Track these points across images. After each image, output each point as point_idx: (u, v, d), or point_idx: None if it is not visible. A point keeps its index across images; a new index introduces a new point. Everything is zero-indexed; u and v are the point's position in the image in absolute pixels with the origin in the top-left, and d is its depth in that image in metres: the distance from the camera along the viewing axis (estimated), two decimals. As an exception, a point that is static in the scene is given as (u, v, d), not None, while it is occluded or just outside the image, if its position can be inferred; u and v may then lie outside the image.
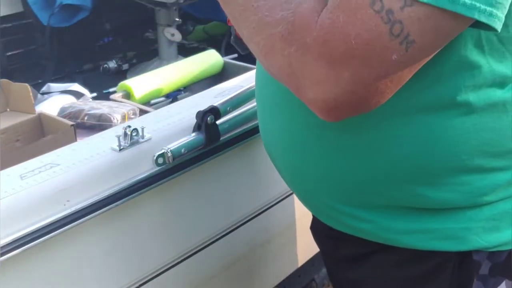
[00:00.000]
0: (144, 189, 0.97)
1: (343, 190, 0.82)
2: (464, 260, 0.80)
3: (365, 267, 0.88)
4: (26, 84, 1.48)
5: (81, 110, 1.44)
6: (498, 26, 0.59)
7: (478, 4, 0.57)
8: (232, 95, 1.12)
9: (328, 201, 0.84)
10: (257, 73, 0.94)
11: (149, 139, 1.00)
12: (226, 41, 2.14)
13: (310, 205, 0.91)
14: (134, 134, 0.98)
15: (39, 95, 1.67)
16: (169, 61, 2.00)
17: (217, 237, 1.16)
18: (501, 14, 0.59)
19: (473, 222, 0.78)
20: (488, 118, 0.72)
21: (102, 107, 1.44)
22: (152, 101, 1.66)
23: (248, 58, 0.89)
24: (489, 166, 0.75)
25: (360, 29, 0.59)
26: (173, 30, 2.00)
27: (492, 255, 0.80)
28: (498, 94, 0.72)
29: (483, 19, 0.58)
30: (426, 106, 0.71)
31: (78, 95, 1.67)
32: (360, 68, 0.60)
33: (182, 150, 1.00)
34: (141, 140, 0.99)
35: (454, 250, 0.79)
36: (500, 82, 0.71)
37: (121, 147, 0.96)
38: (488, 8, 0.57)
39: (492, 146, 0.74)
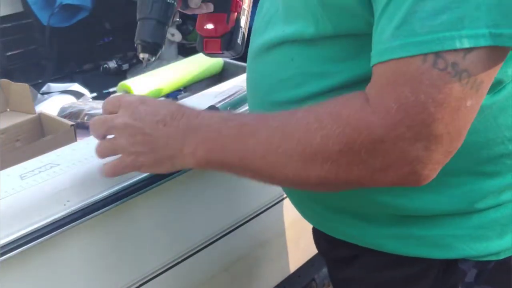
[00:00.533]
0: (144, 189, 0.97)
1: (330, 198, 0.82)
2: (450, 268, 0.79)
3: (355, 267, 0.88)
4: (26, 84, 1.48)
5: (81, 110, 1.44)
6: None
7: None
8: (232, 95, 1.12)
9: (317, 208, 0.85)
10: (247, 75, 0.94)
11: (149, 139, 1.00)
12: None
13: (302, 211, 0.92)
14: (134, 134, 0.98)
15: (39, 95, 1.66)
16: (169, 61, 1.99)
17: (217, 237, 1.16)
18: None
19: (460, 229, 0.76)
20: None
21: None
22: (152, 101, 1.65)
23: (248, 58, 0.91)
24: (478, 171, 0.75)
25: (432, 93, 0.58)
26: (173, 30, 1.99)
27: (479, 262, 0.79)
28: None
29: None
30: None
31: (78, 95, 1.67)
32: (444, 127, 0.60)
33: (182, 150, 1.00)
34: (141, 140, 0.99)
35: (439, 257, 0.78)
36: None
37: (121, 147, 0.96)
38: None
39: (478, 149, 0.73)
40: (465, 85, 0.59)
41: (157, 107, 0.78)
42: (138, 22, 0.89)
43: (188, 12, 0.94)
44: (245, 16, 1.07)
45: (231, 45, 1.04)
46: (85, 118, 1.42)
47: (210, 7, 0.99)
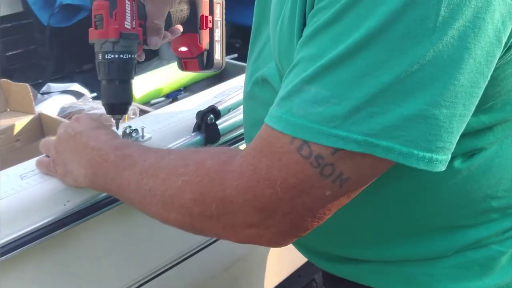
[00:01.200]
0: (144, 189, 0.97)
1: (312, 243, 0.84)
2: None
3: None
4: (26, 84, 1.48)
5: (81, 110, 1.43)
6: (440, 168, 0.57)
7: (416, 152, 0.55)
8: (232, 95, 1.12)
9: (299, 248, 0.89)
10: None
11: (149, 139, 1.00)
12: (226, 41, 2.14)
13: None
14: (134, 134, 0.98)
15: (39, 95, 1.66)
16: (169, 61, 1.99)
17: (217, 237, 1.16)
18: (444, 156, 0.56)
19: (436, 268, 0.75)
20: (448, 185, 0.70)
21: (102, 107, 1.44)
22: (152, 101, 1.66)
23: (248, 58, 0.90)
24: (457, 225, 0.73)
25: (286, 174, 0.57)
26: (173, 30, 2.00)
27: None
28: (457, 163, 0.69)
29: (421, 166, 0.55)
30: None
31: (78, 95, 1.67)
32: (292, 208, 0.59)
33: (182, 150, 1.00)
34: (141, 140, 0.99)
35: None
36: (467, 152, 0.69)
37: (121, 147, 0.96)
38: (428, 155, 0.55)
39: (457, 209, 0.72)
40: (327, 177, 0.57)
41: (81, 123, 0.84)
42: (101, 83, 0.88)
43: (153, 48, 0.93)
44: (219, 28, 1.03)
45: (209, 64, 1.03)
46: (85, 118, 1.42)
47: (177, 31, 0.96)
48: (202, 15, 1.00)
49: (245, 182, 0.59)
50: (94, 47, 0.86)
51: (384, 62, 0.54)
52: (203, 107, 1.06)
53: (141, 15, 0.88)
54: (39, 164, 0.91)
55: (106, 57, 0.85)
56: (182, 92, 1.74)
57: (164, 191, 0.66)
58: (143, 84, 1.60)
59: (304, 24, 0.62)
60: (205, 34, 1.01)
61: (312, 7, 0.59)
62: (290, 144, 0.57)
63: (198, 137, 1.04)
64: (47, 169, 0.89)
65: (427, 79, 0.54)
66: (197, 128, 1.05)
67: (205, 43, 1.01)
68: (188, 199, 0.64)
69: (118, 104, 0.89)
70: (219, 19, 1.03)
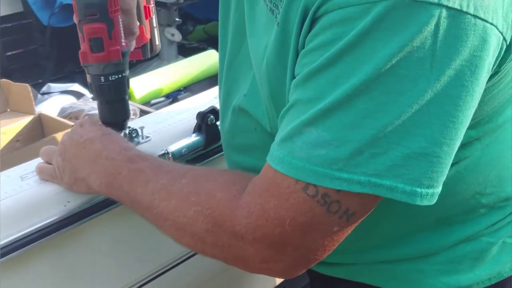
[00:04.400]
0: (145, 190, 0.97)
1: None
2: None
3: None
4: (26, 84, 1.48)
5: (81, 111, 1.44)
6: (435, 200, 0.58)
7: (419, 190, 0.56)
8: (233, 95, 1.12)
9: None
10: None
11: (149, 139, 1.00)
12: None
13: None
14: (134, 134, 0.98)
15: (39, 95, 1.66)
16: (169, 61, 2.00)
17: (217, 237, 1.16)
18: (439, 189, 0.58)
19: (428, 264, 0.76)
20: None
21: (102, 108, 1.44)
22: (152, 101, 1.66)
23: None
24: (447, 222, 0.74)
25: (294, 213, 0.58)
26: (173, 30, 2.01)
27: None
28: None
29: (425, 202, 0.57)
30: None
31: (78, 95, 1.67)
32: (301, 243, 0.60)
33: (183, 151, 1.00)
34: (141, 140, 0.99)
35: None
36: (455, 162, 0.67)
37: (122, 148, 0.96)
38: (430, 191, 0.56)
39: (446, 209, 0.72)
40: (334, 214, 0.58)
41: (87, 129, 0.83)
42: (97, 103, 0.87)
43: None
44: (154, 14, 1.02)
45: (152, 51, 1.02)
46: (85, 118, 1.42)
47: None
48: (145, 6, 0.99)
49: (254, 221, 0.60)
50: (88, 69, 0.83)
51: (383, 104, 0.54)
52: (204, 107, 1.05)
53: None
54: (41, 172, 0.89)
55: (111, 79, 0.83)
56: (182, 92, 1.74)
57: (176, 217, 0.66)
58: (143, 84, 1.60)
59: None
60: (147, 24, 1.00)
61: (303, 46, 0.60)
62: (296, 184, 0.57)
63: (198, 138, 1.04)
64: (51, 177, 0.87)
65: (426, 117, 0.54)
66: (198, 128, 1.05)
67: (149, 32, 1.01)
68: (201, 229, 0.64)
69: (118, 122, 0.89)
70: (153, 4, 1.02)
